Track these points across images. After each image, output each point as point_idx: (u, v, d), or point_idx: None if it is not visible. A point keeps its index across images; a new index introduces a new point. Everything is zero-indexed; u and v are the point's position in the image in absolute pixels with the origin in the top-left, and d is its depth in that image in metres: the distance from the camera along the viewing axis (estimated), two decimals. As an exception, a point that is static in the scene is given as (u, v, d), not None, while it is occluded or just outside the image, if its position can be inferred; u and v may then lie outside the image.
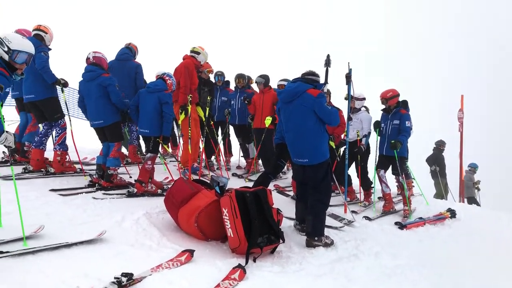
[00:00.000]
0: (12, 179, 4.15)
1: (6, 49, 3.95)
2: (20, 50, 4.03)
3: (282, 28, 55.43)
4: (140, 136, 7.30)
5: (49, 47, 6.27)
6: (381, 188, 7.41)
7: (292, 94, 5.01)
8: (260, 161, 8.97)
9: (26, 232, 3.83)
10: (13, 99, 6.90)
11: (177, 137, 9.12)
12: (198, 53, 7.31)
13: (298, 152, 5.14)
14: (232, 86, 9.21)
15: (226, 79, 9.11)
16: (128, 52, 7.50)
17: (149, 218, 5.00)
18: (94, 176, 6.33)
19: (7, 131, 3.85)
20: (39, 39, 6.12)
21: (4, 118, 4.01)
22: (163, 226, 4.86)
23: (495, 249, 6.03)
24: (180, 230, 4.79)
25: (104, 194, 5.83)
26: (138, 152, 8.49)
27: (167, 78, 6.30)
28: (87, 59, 6.15)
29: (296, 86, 5.03)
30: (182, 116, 6.94)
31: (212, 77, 8.77)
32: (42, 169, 6.30)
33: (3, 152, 6.83)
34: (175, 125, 8.40)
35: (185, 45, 7.68)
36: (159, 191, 6.21)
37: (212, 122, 8.27)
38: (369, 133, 7.64)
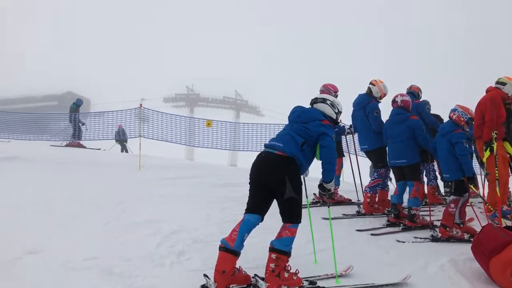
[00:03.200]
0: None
1: (336, 110, 4.42)
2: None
3: None
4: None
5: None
6: None
7: None
8: None
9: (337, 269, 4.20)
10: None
11: (480, 177, 8.40)
12: (504, 84, 6.64)
13: None
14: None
15: None
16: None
17: (454, 265, 4.72)
18: (390, 216, 6.47)
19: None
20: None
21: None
22: (471, 275, 4.48)
23: None
24: (492, 282, 4.30)
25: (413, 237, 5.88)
26: (437, 193, 8.23)
27: (452, 114, 6.09)
28: (394, 102, 6.63)
29: None
30: (487, 154, 6.38)
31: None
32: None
33: (314, 194, 7.75)
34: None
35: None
36: (465, 236, 5.80)
37: None
38: None
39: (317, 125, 4.08)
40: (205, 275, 3.75)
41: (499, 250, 4.21)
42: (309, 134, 4.05)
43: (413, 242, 5.64)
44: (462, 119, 6.04)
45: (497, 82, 6.80)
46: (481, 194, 7.29)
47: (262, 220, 4.07)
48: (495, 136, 6.14)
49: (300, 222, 4.00)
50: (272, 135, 12.54)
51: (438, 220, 6.24)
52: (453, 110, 6.13)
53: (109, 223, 5.66)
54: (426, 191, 8.06)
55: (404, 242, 5.60)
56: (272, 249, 3.91)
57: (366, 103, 6.98)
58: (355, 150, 8.37)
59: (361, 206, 7.06)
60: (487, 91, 6.82)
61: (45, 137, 14.32)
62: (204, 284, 3.75)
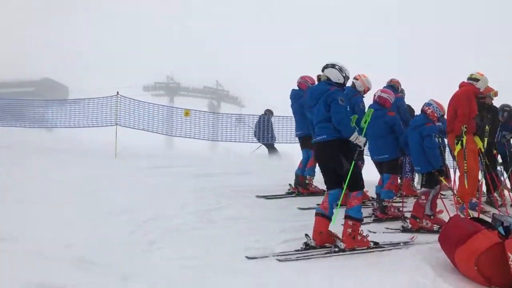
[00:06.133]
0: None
1: (344, 75, 5.11)
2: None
3: None
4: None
5: None
6: None
7: None
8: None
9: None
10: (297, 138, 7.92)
11: (452, 170, 8.61)
12: (477, 80, 6.79)
13: None
14: None
15: None
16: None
17: (422, 254, 4.87)
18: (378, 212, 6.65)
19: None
20: None
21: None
22: (438, 264, 4.62)
23: None
24: (457, 272, 4.45)
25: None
26: (413, 185, 8.43)
27: (426, 108, 6.20)
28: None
29: None
30: (458, 147, 6.54)
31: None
32: None
33: (290, 184, 7.83)
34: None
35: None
36: (435, 227, 5.96)
37: (495, 152, 7.76)
38: None
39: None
40: (306, 235, 4.84)
41: (464, 241, 4.33)
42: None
43: (383, 232, 5.76)
44: (435, 114, 6.18)
45: (470, 78, 6.92)
46: (452, 187, 7.47)
47: (341, 191, 4.93)
48: (465, 130, 6.30)
49: (363, 189, 5.01)
50: (252, 125, 12.60)
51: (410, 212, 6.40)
52: (428, 104, 6.25)
53: (83, 211, 5.63)
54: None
55: (375, 232, 5.71)
56: (348, 217, 4.85)
57: (351, 96, 7.03)
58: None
59: None
60: (460, 86, 6.95)
61: (19, 123, 14.00)
62: (306, 242, 4.80)
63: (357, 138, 4.87)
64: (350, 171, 4.77)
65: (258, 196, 7.18)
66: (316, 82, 5.49)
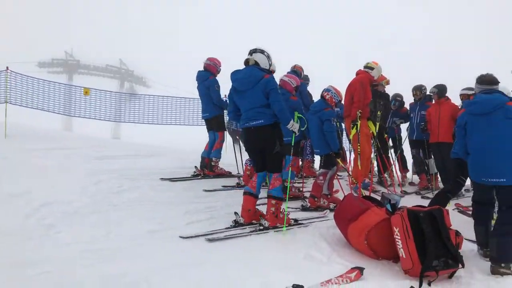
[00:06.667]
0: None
1: (270, 63, 5.31)
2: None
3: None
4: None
5: None
6: None
7: (493, 105, 4.52)
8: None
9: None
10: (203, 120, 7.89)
11: (348, 152, 9.20)
12: (372, 69, 7.26)
13: (495, 170, 4.48)
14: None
15: None
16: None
17: (319, 231, 5.16)
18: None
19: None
20: None
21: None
22: (333, 241, 4.94)
23: None
24: (350, 247, 4.79)
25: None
26: (313, 167, 8.86)
27: (325, 93, 6.48)
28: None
29: (496, 98, 4.56)
30: (353, 131, 6.98)
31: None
32: None
33: (195, 166, 7.81)
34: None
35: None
36: (331, 206, 6.32)
37: (386, 136, 8.36)
38: None
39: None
40: (235, 213, 5.17)
41: (356, 217, 4.66)
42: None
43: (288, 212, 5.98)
44: (334, 100, 6.52)
45: (366, 67, 7.42)
46: (347, 168, 7.99)
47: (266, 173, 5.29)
48: (359, 115, 6.75)
49: (281, 170, 5.22)
50: (159, 107, 12.31)
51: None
52: (327, 90, 6.56)
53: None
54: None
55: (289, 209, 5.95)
56: (271, 197, 5.14)
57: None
58: (236, 125, 8.58)
59: (241, 178, 7.30)
60: (356, 74, 7.42)
61: None
62: (235, 219, 5.11)
63: (293, 125, 5.19)
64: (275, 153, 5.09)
65: (162, 179, 7.07)
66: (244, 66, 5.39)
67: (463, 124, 4.79)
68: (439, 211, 4.34)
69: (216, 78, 7.57)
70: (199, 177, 7.51)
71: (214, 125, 7.62)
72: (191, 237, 4.63)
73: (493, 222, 4.83)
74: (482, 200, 4.89)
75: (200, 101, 7.99)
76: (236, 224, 5.11)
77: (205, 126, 7.90)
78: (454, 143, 5.44)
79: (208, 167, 7.63)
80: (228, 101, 7.76)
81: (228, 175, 7.83)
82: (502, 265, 4.38)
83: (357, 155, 6.73)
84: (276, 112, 5.03)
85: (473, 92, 5.54)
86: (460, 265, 4.19)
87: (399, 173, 8.86)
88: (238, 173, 8.00)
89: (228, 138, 8.61)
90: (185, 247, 4.39)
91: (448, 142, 7.22)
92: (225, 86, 6.40)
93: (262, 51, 5.26)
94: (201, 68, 7.63)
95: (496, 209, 4.87)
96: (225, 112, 7.85)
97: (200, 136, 9.33)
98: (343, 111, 7.66)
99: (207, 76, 7.47)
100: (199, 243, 4.52)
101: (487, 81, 4.75)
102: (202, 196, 6.45)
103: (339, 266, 4.21)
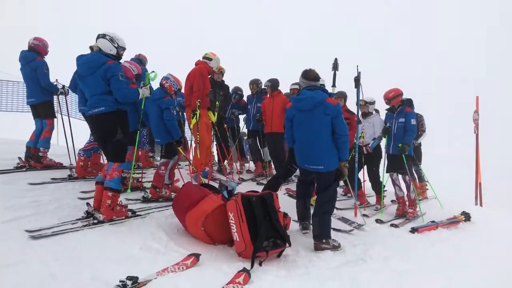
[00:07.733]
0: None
1: (116, 45, 5.02)
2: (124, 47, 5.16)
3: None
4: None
5: None
6: (394, 191, 7.40)
7: (314, 102, 5.02)
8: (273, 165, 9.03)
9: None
10: (29, 106, 7.08)
11: (189, 141, 9.29)
12: (210, 59, 7.37)
13: (314, 159, 5.12)
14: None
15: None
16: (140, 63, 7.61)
17: (156, 221, 5.11)
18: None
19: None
20: None
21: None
22: (170, 230, 4.94)
23: (508, 254, 5.90)
24: (188, 234, 4.84)
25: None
26: (151, 157, 8.69)
27: (164, 81, 6.46)
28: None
29: (317, 95, 5.06)
30: (193, 121, 7.01)
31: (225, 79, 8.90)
32: None
33: (19, 157, 7.00)
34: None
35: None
36: (173, 195, 6.28)
37: (225, 126, 8.66)
38: (380, 137, 7.59)
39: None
40: (87, 204, 5.02)
41: (194, 205, 4.73)
42: None
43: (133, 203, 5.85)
44: (173, 88, 6.46)
45: (204, 57, 7.49)
46: (188, 157, 8.04)
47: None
48: (199, 104, 6.83)
49: (123, 161, 5.01)
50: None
51: (150, 182, 6.60)
52: (166, 79, 6.47)
53: None
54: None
55: (134, 200, 5.97)
56: (108, 188, 4.84)
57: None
58: (68, 111, 7.92)
59: (74, 170, 6.78)
60: (196, 64, 7.44)
61: None
62: (87, 210, 4.94)
63: (143, 94, 5.41)
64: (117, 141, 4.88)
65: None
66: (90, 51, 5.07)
67: (291, 117, 5.37)
68: (269, 195, 4.66)
69: (45, 59, 6.87)
70: (23, 169, 6.75)
71: (42, 111, 6.90)
72: (10, 235, 4.14)
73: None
74: (305, 181, 5.61)
75: (25, 84, 7.15)
76: (88, 215, 4.89)
77: (31, 113, 7.11)
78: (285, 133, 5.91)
79: (35, 158, 6.91)
80: (57, 86, 7.19)
81: (59, 166, 7.20)
82: (323, 241, 4.95)
83: (196, 144, 6.79)
84: (121, 100, 4.88)
85: (299, 87, 6.08)
86: (287, 244, 4.57)
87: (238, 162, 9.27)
88: (70, 164, 7.41)
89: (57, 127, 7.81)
90: (2, 247, 3.90)
91: (280, 132, 7.81)
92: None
93: (104, 35, 4.98)
94: (25, 48, 6.83)
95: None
96: (55, 97, 7.21)
97: (26, 124, 8.37)
98: (183, 100, 7.66)
99: (33, 57, 6.72)
100: (21, 241, 4.06)
101: (311, 77, 5.26)
102: (27, 189, 5.80)
103: (176, 254, 4.22)
